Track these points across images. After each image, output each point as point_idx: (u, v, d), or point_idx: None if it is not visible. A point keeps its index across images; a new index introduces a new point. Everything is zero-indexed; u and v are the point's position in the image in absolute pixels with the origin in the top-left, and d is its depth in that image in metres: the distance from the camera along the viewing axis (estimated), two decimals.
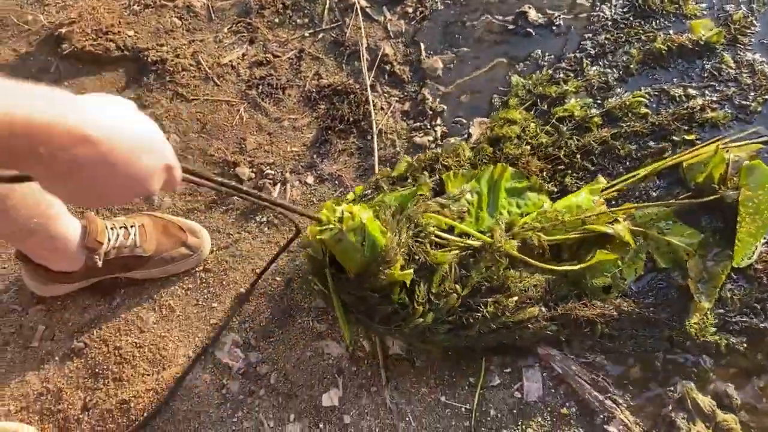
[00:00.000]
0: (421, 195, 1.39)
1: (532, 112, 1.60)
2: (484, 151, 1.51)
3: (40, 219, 1.22)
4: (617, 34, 1.70)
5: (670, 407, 1.29)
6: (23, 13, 1.86)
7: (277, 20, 1.84)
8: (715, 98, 1.57)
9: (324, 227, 1.20)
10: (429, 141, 1.61)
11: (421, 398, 1.35)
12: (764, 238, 1.41)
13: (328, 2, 1.86)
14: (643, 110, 1.57)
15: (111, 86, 1.75)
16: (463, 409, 1.33)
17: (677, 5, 1.74)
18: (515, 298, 1.29)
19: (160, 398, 1.36)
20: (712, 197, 1.41)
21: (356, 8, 1.83)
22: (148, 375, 1.39)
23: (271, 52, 1.78)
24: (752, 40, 1.65)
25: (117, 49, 1.77)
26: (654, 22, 1.71)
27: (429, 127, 1.64)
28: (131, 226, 1.44)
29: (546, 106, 1.61)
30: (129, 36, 1.79)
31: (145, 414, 1.35)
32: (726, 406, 1.30)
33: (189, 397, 1.37)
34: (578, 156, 1.51)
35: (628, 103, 1.57)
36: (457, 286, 1.27)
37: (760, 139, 1.51)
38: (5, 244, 1.53)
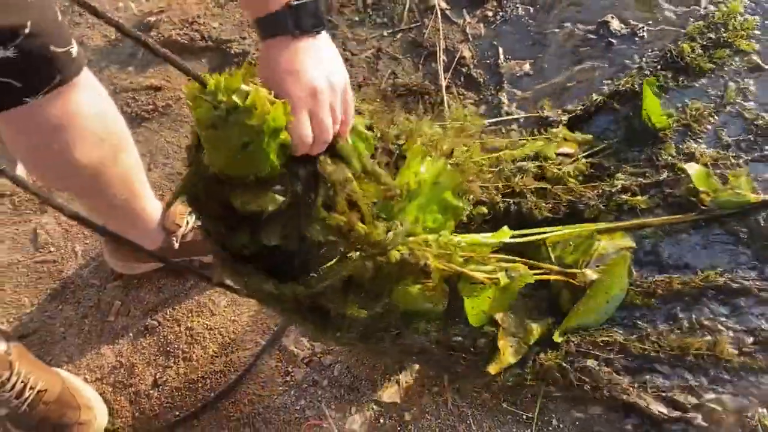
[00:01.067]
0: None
1: None
2: None
3: (127, 196, 1.27)
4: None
5: None
6: (115, 1, 1.93)
7: (357, 18, 1.87)
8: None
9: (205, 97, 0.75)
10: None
11: (483, 402, 1.35)
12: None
13: (408, 3, 1.88)
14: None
15: None
16: (524, 417, 1.32)
17: None
18: None
19: (227, 380, 1.40)
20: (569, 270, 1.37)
21: (436, 10, 1.84)
22: (217, 357, 1.43)
23: (349, 50, 1.81)
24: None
25: (202, 40, 1.83)
26: None
27: (504, 131, 1.64)
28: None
29: None
30: (214, 27, 1.84)
31: (212, 394, 1.39)
32: None
33: (255, 381, 1.40)
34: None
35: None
36: None
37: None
38: None
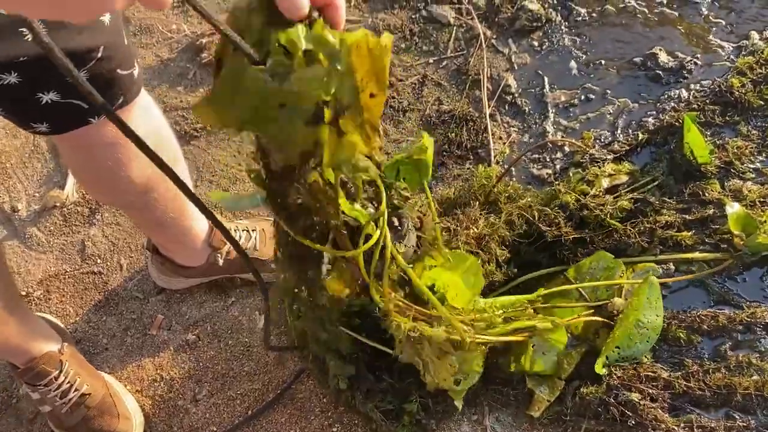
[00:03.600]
0: None
1: None
2: None
3: (175, 213, 1.30)
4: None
5: None
6: (168, 22, 1.99)
7: (403, 45, 1.89)
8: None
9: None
10: (547, 174, 1.61)
11: None
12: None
13: (454, 31, 1.90)
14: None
15: None
16: None
17: None
18: None
19: (264, 399, 1.41)
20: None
21: (481, 39, 1.86)
22: (255, 375, 1.44)
23: (395, 75, 1.83)
24: None
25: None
26: None
27: (548, 160, 1.63)
28: (252, 230, 1.50)
29: None
30: None
31: (250, 412, 1.39)
32: None
33: (292, 401, 1.40)
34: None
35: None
36: None
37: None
38: (135, 235, 1.63)
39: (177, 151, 1.22)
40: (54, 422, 1.36)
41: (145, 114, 1.07)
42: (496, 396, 1.36)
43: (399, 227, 1.03)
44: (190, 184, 1.32)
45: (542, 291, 1.36)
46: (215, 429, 1.38)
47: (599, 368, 1.32)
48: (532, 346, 1.31)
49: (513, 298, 1.33)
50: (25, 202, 1.71)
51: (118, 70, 0.94)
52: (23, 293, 1.58)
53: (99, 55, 0.89)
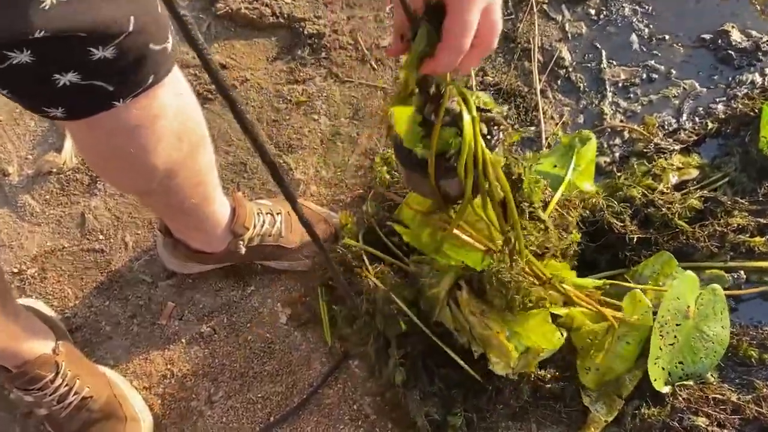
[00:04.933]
0: None
1: None
2: None
3: (197, 199, 1.13)
4: None
5: None
6: None
7: None
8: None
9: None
10: (605, 162, 1.45)
11: None
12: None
13: None
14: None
15: (262, 53, 1.64)
16: None
17: None
18: None
19: (288, 404, 1.27)
20: None
21: (531, 3, 1.66)
22: (278, 376, 1.29)
23: None
24: None
25: (272, 15, 1.66)
26: None
27: (606, 146, 1.47)
28: (277, 213, 1.34)
29: None
30: (286, 3, 1.67)
31: (271, 418, 1.26)
32: None
33: (319, 408, 1.26)
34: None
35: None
36: None
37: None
38: (142, 209, 1.46)
39: (204, 130, 1.04)
40: (53, 426, 1.22)
41: (174, 91, 0.89)
42: (545, 412, 1.23)
43: (489, 136, 0.87)
44: (214, 167, 1.16)
45: (606, 282, 1.24)
46: None
47: (661, 385, 1.19)
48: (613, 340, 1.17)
49: (581, 279, 1.20)
50: (17, 165, 1.52)
51: (151, 45, 0.76)
52: (15, 270, 1.41)
53: (129, 28, 0.70)
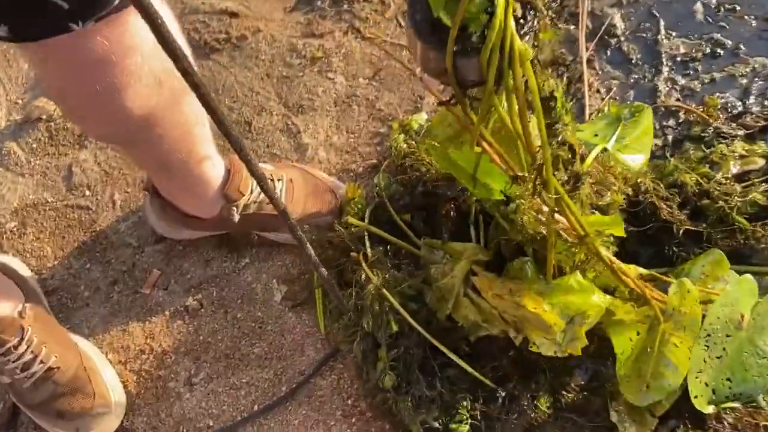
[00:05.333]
0: None
1: None
2: None
3: (183, 155, 0.99)
4: None
5: None
6: None
7: None
8: None
9: None
10: (656, 146, 1.27)
11: None
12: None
13: None
14: None
15: (279, 2, 1.48)
16: None
17: None
18: None
19: (275, 392, 1.13)
20: None
21: None
22: (267, 360, 1.16)
23: None
24: None
25: None
26: None
27: (658, 127, 1.29)
28: (278, 180, 1.19)
29: None
30: None
31: (257, 407, 1.12)
32: None
33: (309, 400, 1.12)
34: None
35: None
36: None
37: None
38: (134, 166, 1.33)
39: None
40: (15, 397, 1.10)
41: None
42: (566, 425, 1.07)
43: (522, 20, 0.71)
44: (206, 119, 1.01)
45: (652, 272, 1.07)
46: (211, 423, 1.12)
47: (703, 404, 1.02)
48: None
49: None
50: (6, 109, 1.40)
51: None
52: None
53: None
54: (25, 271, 1.21)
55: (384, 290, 0.99)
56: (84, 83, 0.76)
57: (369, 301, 0.99)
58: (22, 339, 1.05)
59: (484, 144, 0.87)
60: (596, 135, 1.10)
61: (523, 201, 0.90)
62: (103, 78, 0.76)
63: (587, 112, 1.31)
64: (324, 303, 1.15)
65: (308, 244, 0.82)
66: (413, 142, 1.20)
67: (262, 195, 1.16)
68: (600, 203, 1.00)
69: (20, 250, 1.26)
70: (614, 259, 0.96)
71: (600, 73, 1.37)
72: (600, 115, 1.22)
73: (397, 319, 0.99)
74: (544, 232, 0.90)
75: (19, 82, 1.42)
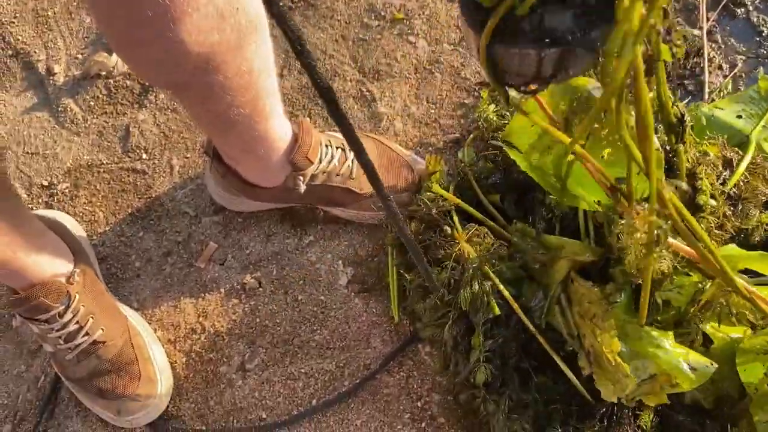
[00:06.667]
0: None
1: None
2: None
3: (246, 109, 0.86)
4: None
5: None
6: None
7: None
8: None
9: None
10: None
11: None
12: None
13: None
14: None
15: None
16: None
17: None
18: None
19: (337, 387, 1.01)
20: None
21: None
22: (329, 350, 1.04)
23: None
24: None
25: None
26: None
27: None
28: (351, 150, 1.06)
29: None
30: None
31: (315, 401, 1.00)
32: None
33: (373, 398, 1.00)
34: None
35: None
36: None
37: None
38: (196, 129, 1.22)
39: (259, 16, 0.76)
40: (58, 367, 1.02)
41: None
42: None
43: None
44: (274, 72, 0.89)
45: None
46: (264, 416, 1.01)
47: None
48: None
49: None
50: (65, 63, 1.31)
51: None
52: (45, 183, 1.21)
53: None
54: (78, 230, 1.12)
55: (486, 267, 0.84)
56: (133, 6, 0.64)
57: (469, 277, 0.84)
58: (68, 307, 0.96)
59: (580, 154, 0.69)
60: (739, 116, 0.92)
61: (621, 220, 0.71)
62: (161, 11, 0.64)
63: (706, 89, 1.13)
64: (398, 285, 1.01)
65: (398, 211, 0.69)
66: (508, 114, 1.05)
67: (332, 165, 1.03)
68: (742, 225, 0.81)
69: (71, 214, 1.17)
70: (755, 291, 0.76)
71: (723, 46, 1.18)
72: (743, 90, 1.03)
73: (499, 302, 0.85)
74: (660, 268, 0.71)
75: (80, 36, 1.34)
